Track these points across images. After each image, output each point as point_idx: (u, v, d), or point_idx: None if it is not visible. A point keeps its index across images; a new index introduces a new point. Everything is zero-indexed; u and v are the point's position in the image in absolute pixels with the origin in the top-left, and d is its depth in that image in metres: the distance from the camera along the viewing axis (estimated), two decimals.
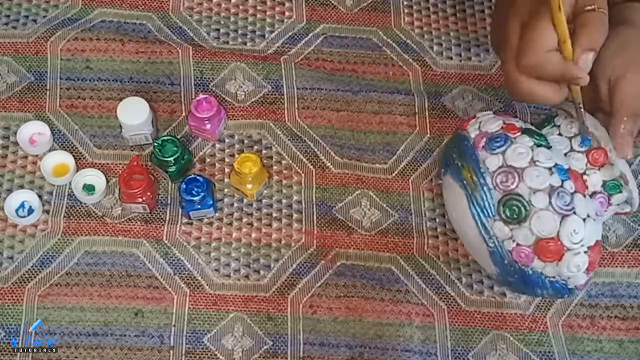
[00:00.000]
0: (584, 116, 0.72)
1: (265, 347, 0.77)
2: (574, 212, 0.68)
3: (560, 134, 0.74)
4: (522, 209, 0.68)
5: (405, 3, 0.95)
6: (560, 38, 0.68)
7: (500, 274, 0.72)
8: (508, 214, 0.69)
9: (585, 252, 0.69)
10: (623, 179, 0.71)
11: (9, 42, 0.88)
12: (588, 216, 0.69)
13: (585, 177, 0.71)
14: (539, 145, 0.71)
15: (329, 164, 0.85)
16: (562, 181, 0.69)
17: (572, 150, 0.73)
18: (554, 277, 0.70)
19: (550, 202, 0.68)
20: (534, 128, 0.74)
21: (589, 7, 0.68)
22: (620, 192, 0.72)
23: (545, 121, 0.77)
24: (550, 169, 0.69)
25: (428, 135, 0.87)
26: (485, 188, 0.70)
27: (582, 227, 0.68)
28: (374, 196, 0.84)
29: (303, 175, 0.84)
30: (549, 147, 0.71)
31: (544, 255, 0.68)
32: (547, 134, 0.74)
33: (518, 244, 0.69)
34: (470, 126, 0.74)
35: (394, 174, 0.85)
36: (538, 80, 0.69)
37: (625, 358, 0.79)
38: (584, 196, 0.70)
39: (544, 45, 0.68)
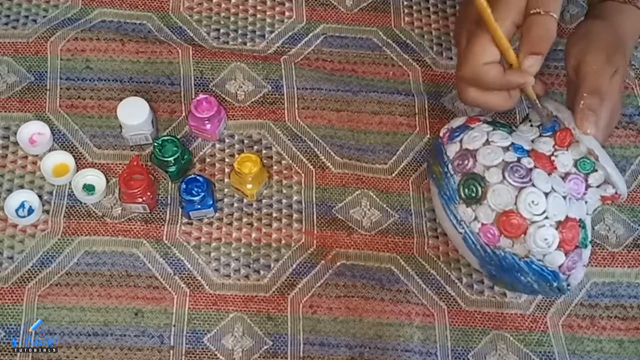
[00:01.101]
0: (547, 101, 0.74)
1: (265, 347, 0.77)
2: (532, 185, 0.69)
3: (531, 125, 0.75)
4: (479, 186, 0.70)
5: (405, 3, 0.95)
6: (501, 49, 0.71)
7: (480, 264, 0.73)
8: (467, 194, 0.70)
9: (552, 225, 0.68)
10: (592, 155, 0.71)
11: (9, 42, 0.88)
12: (553, 190, 0.69)
13: (553, 158, 0.72)
14: (496, 130, 0.72)
15: (329, 164, 0.85)
16: (519, 158, 0.70)
17: (540, 136, 0.74)
18: (527, 258, 0.69)
19: (504, 176, 0.69)
20: (500, 121, 0.76)
21: (533, 11, 0.70)
22: (595, 170, 0.72)
23: (523, 119, 0.78)
24: (506, 147, 0.70)
25: (428, 135, 0.87)
26: (447, 175, 0.72)
27: (543, 200, 0.68)
28: (374, 196, 0.84)
29: (303, 175, 0.84)
30: (510, 133, 0.73)
31: (507, 230, 0.69)
32: (521, 129, 0.75)
33: (482, 224, 0.70)
34: (442, 130, 0.77)
35: (394, 174, 0.85)
36: (481, 89, 0.72)
37: (625, 358, 0.79)
38: (549, 174, 0.70)
39: (481, 59, 0.71)
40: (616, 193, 0.73)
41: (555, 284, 0.71)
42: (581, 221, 0.71)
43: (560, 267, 0.70)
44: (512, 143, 0.71)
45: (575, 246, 0.70)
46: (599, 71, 0.74)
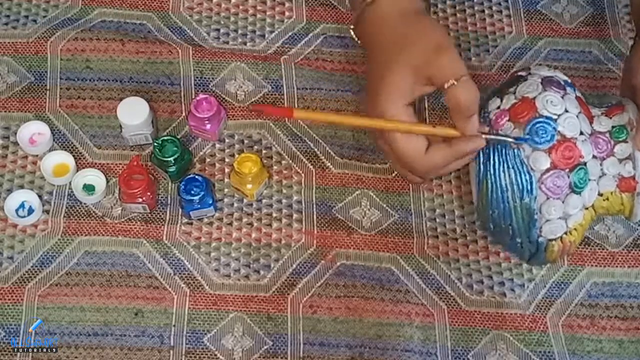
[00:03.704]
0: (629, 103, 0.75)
1: (265, 347, 0.77)
2: (561, 94, 0.71)
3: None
4: (519, 79, 0.74)
5: None
6: (429, 136, 0.72)
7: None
8: (505, 85, 0.75)
9: (554, 127, 0.70)
10: (630, 125, 0.72)
11: (9, 42, 0.88)
12: (574, 115, 0.71)
13: (594, 115, 0.74)
14: None
15: (329, 164, 0.85)
16: (565, 83, 0.73)
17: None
18: (516, 148, 0.71)
19: (542, 80, 0.72)
20: None
21: (448, 84, 0.70)
22: (625, 140, 0.72)
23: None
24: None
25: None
26: None
27: (561, 107, 0.70)
28: (374, 196, 0.84)
29: (303, 175, 0.84)
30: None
31: (515, 113, 0.71)
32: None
33: (501, 109, 0.72)
34: None
35: (394, 174, 0.85)
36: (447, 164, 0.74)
37: (625, 358, 0.79)
38: (581, 113, 0.72)
39: (422, 156, 0.72)
40: (634, 178, 0.72)
41: (527, 198, 0.70)
42: (584, 164, 0.70)
43: (540, 176, 0.70)
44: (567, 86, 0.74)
45: (564, 171, 0.70)
46: None
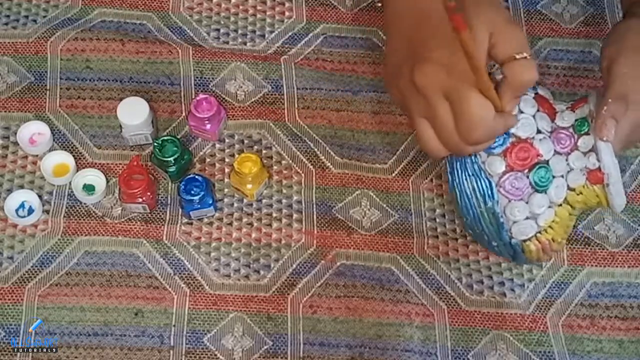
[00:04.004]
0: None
1: (265, 347, 0.77)
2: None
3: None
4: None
5: None
6: (488, 95, 0.66)
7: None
8: None
9: (507, 132, 0.70)
10: (591, 116, 0.71)
11: (9, 42, 0.88)
12: (529, 115, 0.71)
13: (557, 110, 0.73)
14: None
15: (329, 164, 0.85)
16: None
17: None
18: (473, 156, 0.71)
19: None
20: None
21: (519, 56, 0.65)
22: (587, 133, 0.72)
23: None
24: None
25: None
26: None
27: (515, 108, 0.70)
28: (374, 196, 0.84)
29: (303, 175, 0.84)
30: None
31: None
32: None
33: None
34: None
35: (394, 174, 0.85)
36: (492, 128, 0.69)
37: (625, 358, 0.79)
38: (539, 112, 0.72)
39: (491, 120, 0.67)
40: (600, 170, 0.71)
41: (489, 202, 0.70)
42: (545, 162, 0.70)
43: (499, 180, 0.70)
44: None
45: (522, 172, 0.70)
46: (630, 75, 0.70)
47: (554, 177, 0.71)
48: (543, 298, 0.80)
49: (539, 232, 0.72)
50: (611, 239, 0.83)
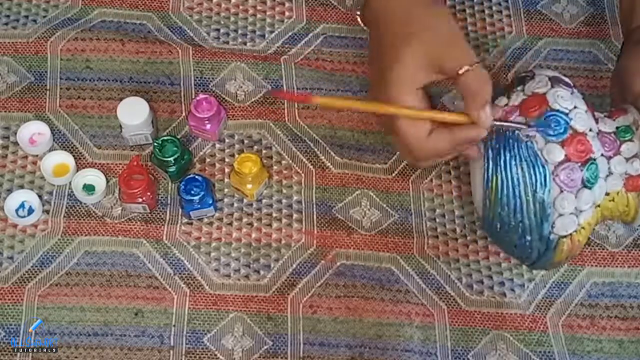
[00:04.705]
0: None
1: (265, 347, 0.77)
2: (569, 91, 0.72)
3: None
4: (525, 79, 0.74)
5: None
6: (444, 122, 0.71)
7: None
8: (510, 85, 0.75)
9: (567, 121, 0.70)
10: (635, 125, 0.72)
11: (9, 42, 0.88)
12: (582, 110, 0.71)
13: (597, 114, 0.74)
14: None
15: (329, 164, 0.85)
16: (572, 87, 0.73)
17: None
18: (528, 140, 0.70)
19: (550, 79, 0.72)
20: None
21: (463, 70, 0.69)
22: (631, 139, 0.72)
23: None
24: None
25: None
26: None
27: (572, 102, 0.71)
28: (374, 196, 0.84)
29: (303, 175, 0.84)
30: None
31: (527, 109, 0.71)
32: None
33: (510, 105, 0.73)
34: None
35: (394, 174, 0.85)
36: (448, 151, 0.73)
37: (625, 358, 0.79)
38: (588, 111, 0.72)
39: (423, 140, 0.71)
40: None
41: (541, 191, 0.70)
42: (595, 160, 0.70)
43: (554, 169, 0.69)
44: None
45: (577, 164, 0.70)
46: None
47: (599, 176, 0.71)
48: (543, 298, 0.80)
49: (575, 231, 0.71)
50: (611, 239, 0.83)
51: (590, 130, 0.71)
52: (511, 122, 0.71)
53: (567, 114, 0.70)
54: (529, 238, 0.72)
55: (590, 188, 0.70)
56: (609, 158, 0.72)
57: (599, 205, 0.72)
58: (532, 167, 0.70)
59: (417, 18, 0.73)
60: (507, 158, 0.71)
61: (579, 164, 0.70)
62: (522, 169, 0.70)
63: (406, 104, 0.71)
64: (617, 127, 0.73)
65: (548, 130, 0.70)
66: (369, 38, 0.78)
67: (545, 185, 0.70)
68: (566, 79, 0.74)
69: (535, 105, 0.71)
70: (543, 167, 0.70)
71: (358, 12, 0.79)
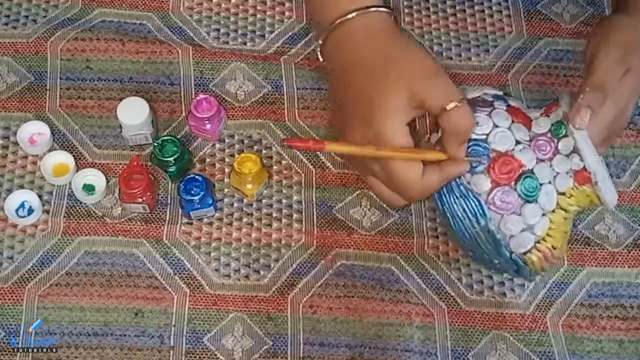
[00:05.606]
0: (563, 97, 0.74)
1: (265, 347, 0.77)
2: (487, 112, 0.71)
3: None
4: None
5: (405, 3, 0.94)
6: (425, 160, 0.71)
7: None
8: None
9: (485, 147, 0.70)
10: (566, 119, 0.71)
11: (9, 42, 0.88)
12: (506, 128, 0.71)
13: (532, 119, 0.73)
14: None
15: (329, 164, 0.85)
16: (495, 97, 0.73)
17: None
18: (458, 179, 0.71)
19: (472, 99, 0.73)
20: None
21: (449, 107, 0.68)
22: (566, 135, 0.71)
23: None
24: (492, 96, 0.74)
25: (428, 135, 0.87)
26: None
27: (488, 125, 0.71)
28: (374, 196, 0.84)
29: (303, 175, 0.84)
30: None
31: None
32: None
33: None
34: None
35: None
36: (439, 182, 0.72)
37: (625, 358, 0.79)
38: (514, 123, 0.72)
39: (420, 181, 0.70)
40: (585, 170, 0.71)
41: (482, 221, 0.70)
42: (530, 172, 0.70)
43: (487, 197, 0.70)
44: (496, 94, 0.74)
45: (508, 185, 0.70)
46: (609, 68, 0.71)
47: (541, 184, 0.71)
48: (543, 298, 0.80)
49: (538, 242, 0.72)
50: (611, 239, 0.83)
51: (518, 143, 0.71)
52: (473, 156, 0.72)
53: (485, 140, 0.71)
54: (496, 261, 0.73)
55: (532, 201, 0.71)
56: (549, 160, 0.72)
57: (555, 209, 0.72)
58: (467, 201, 0.71)
59: (388, 53, 0.70)
60: (448, 196, 0.72)
61: (511, 184, 0.70)
62: (460, 204, 0.71)
63: (401, 144, 0.69)
64: (552, 124, 0.73)
65: (472, 162, 0.71)
66: (330, 76, 0.76)
67: (484, 215, 0.71)
68: (490, 94, 0.74)
69: None
70: (476, 199, 0.70)
71: (319, 49, 0.75)
